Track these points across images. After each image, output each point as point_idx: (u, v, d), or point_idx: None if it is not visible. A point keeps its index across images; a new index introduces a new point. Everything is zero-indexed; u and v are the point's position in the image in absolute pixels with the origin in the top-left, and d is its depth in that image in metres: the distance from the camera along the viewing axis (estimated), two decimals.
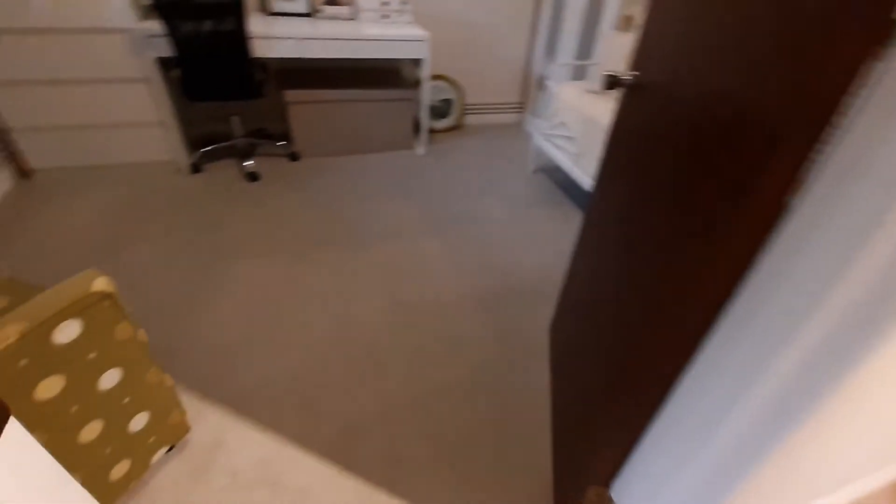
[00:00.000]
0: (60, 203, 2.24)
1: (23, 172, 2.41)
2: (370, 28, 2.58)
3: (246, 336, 1.63)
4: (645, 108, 1.00)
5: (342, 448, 1.31)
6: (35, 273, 1.82)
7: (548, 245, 2.25)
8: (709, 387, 0.76)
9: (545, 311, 1.85)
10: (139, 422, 1.10)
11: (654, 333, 0.82)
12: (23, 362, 0.82)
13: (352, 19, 2.72)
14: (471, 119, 3.54)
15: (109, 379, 0.99)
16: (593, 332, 1.15)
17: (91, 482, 1.02)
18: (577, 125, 2.34)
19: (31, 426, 0.86)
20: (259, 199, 2.40)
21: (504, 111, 3.62)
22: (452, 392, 1.50)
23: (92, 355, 0.94)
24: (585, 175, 2.28)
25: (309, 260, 2.02)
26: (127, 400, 1.05)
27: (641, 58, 1.06)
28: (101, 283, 0.92)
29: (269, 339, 1.63)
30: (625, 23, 2.51)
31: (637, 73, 1.06)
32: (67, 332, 0.88)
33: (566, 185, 2.79)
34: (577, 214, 2.52)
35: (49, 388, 0.88)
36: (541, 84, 3.31)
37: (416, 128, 2.99)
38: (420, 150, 3.02)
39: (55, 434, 0.91)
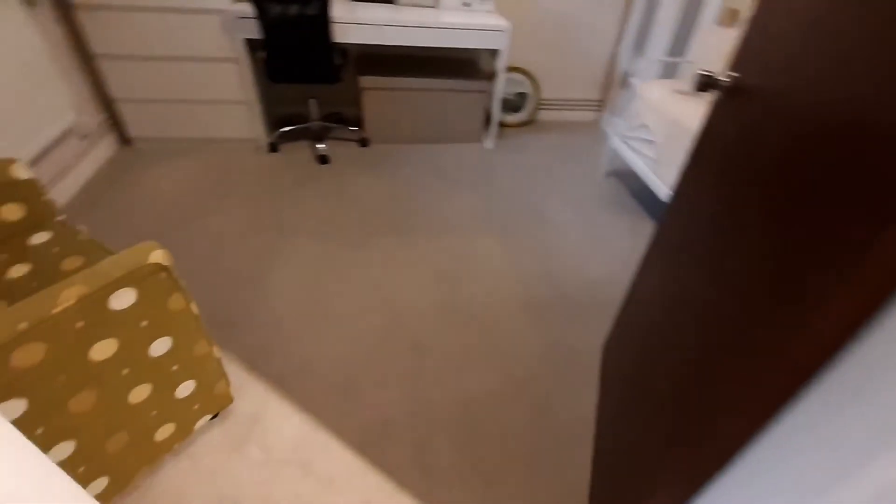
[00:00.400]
0: (151, 171, 2.41)
1: (124, 140, 2.63)
2: (450, 16, 2.52)
3: (297, 314, 1.66)
4: (744, 116, 0.86)
5: (373, 442, 1.29)
6: (119, 234, 1.96)
7: (613, 255, 2.09)
8: (802, 454, 0.63)
9: (600, 327, 1.72)
10: (185, 389, 1.14)
11: (736, 380, 0.70)
12: (80, 324, 0.85)
13: (433, 7, 2.67)
14: (545, 115, 3.39)
15: (160, 346, 1.03)
16: (657, 362, 1.03)
17: (137, 440, 1.07)
18: (659, 128, 2.14)
19: (84, 384, 0.91)
20: (326, 181, 2.44)
21: (581, 108, 3.42)
22: (492, 401, 1.43)
23: (144, 323, 0.97)
24: (663, 184, 2.09)
25: (366, 245, 2.02)
26: (175, 367, 1.09)
27: (746, 57, 0.91)
28: (157, 256, 0.95)
29: (317, 321, 1.64)
30: (729, 17, 2.25)
31: (738, 74, 0.91)
32: (123, 299, 0.91)
33: (640, 192, 2.59)
34: (649, 226, 2.33)
35: (103, 350, 0.91)
36: (624, 81, 3.09)
37: (487, 121, 2.91)
38: (489, 143, 2.93)
39: (106, 393, 0.96)
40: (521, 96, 3.18)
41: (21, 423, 0.83)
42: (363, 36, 2.41)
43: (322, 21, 2.22)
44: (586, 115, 3.46)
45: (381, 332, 1.63)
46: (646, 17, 2.88)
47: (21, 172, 1.21)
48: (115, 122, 2.57)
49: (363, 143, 2.80)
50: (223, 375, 1.23)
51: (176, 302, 1.02)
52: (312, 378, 1.44)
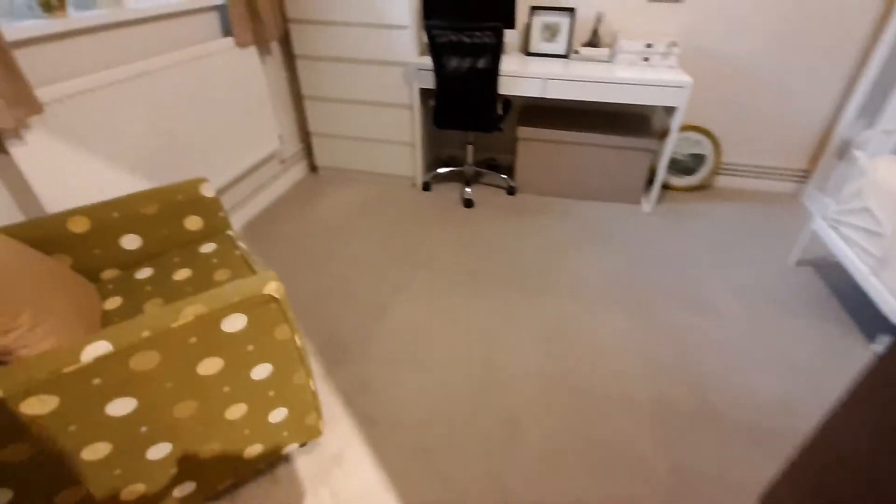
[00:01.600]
0: (324, 195, 2.70)
1: (312, 167, 3.02)
2: (626, 71, 2.32)
3: (401, 353, 1.62)
4: None
5: None
6: (280, 245, 2.21)
7: (792, 371, 1.60)
8: None
9: (759, 464, 1.30)
10: (278, 414, 1.15)
11: None
12: (193, 340, 0.91)
13: (608, 62, 2.51)
14: (724, 181, 2.89)
15: (261, 371, 1.06)
16: None
17: (228, 453, 1.11)
18: (890, 217, 1.61)
19: (188, 394, 0.96)
20: (467, 224, 2.43)
21: (775, 177, 2.83)
22: None
23: (250, 347, 1.01)
24: (888, 292, 1.54)
25: (486, 294, 1.92)
26: (272, 393, 1.11)
27: None
28: (271, 288, 0.98)
29: (417, 365, 1.58)
30: None
31: None
32: (235, 323, 0.95)
33: (846, 294, 1.98)
34: (859, 344, 1.74)
35: (209, 366, 0.97)
36: (844, 152, 2.46)
37: (650, 181, 2.58)
38: (647, 207, 2.60)
39: (206, 405, 1.01)
40: (697, 158, 2.77)
41: (129, 419, 0.90)
42: (530, 89, 2.37)
43: (491, 74, 2.24)
44: (781, 186, 2.85)
45: (478, 391, 1.48)
46: (883, 80, 2.26)
47: (206, 191, 1.42)
48: (308, 152, 2.97)
49: (511, 191, 2.74)
50: (316, 408, 1.23)
51: (282, 332, 1.04)
52: (398, 430, 1.37)
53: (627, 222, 2.47)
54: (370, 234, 2.34)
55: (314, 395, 1.20)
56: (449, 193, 2.74)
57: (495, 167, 3.05)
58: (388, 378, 1.54)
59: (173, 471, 1.04)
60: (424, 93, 2.58)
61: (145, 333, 0.85)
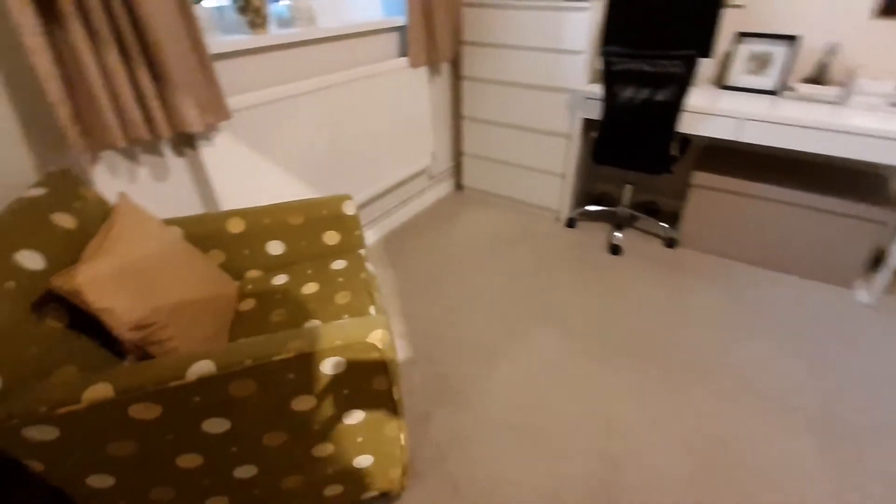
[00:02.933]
0: (464, 215, 2.64)
1: (458, 186, 3.00)
2: (863, 118, 1.77)
3: (506, 416, 1.43)
4: None
5: None
6: (407, 261, 2.18)
7: None
8: None
9: None
10: (363, 461, 1.06)
11: None
12: (290, 376, 0.86)
13: (836, 103, 1.96)
14: None
15: (353, 416, 0.97)
16: None
17: (308, 488, 1.06)
18: None
19: (279, 425, 0.92)
20: (609, 274, 2.11)
21: None
22: None
23: (346, 391, 0.93)
24: None
25: (616, 364, 1.61)
26: (360, 439, 1.02)
27: None
28: (376, 336, 0.88)
29: (522, 435, 1.36)
30: None
31: None
32: (333, 365, 0.88)
33: None
34: None
35: (303, 402, 0.91)
36: None
37: (875, 263, 1.94)
38: (864, 295, 1.96)
39: (295, 438, 0.96)
40: None
41: (221, 438, 0.89)
42: (720, 129, 1.96)
43: (671, 108, 1.91)
44: None
45: (592, 490, 1.21)
46: None
47: (348, 209, 1.42)
48: (457, 171, 2.95)
49: (670, 243, 2.33)
50: (403, 463, 1.11)
51: (380, 383, 0.94)
52: None
53: (832, 312, 1.89)
54: (501, 265, 2.19)
55: (403, 450, 1.09)
56: (595, 234, 2.45)
57: (655, 212, 2.64)
58: (487, 442, 1.36)
59: (256, 492, 1.02)
60: (587, 123, 2.34)
61: (248, 362, 0.82)
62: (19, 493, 1.08)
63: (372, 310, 1.20)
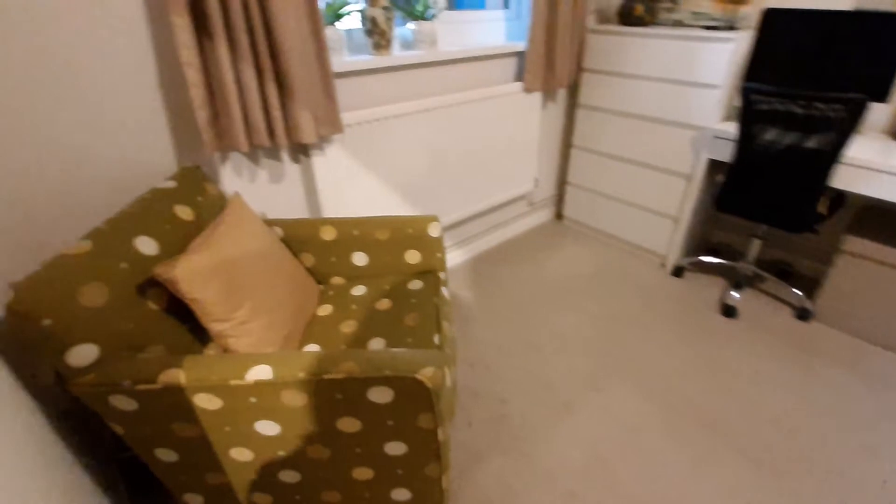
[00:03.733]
0: (560, 247, 2.50)
1: (557, 215, 2.86)
2: None
3: (562, 483, 1.28)
4: None
5: None
6: (496, 293, 2.11)
7: None
8: None
9: None
10: (400, 494, 1.03)
11: None
12: (339, 396, 0.85)
13: None
14: None
15: (395, 448, 0.94)
16: None
17: None
18: None
19: (324, 441, 0.92)
20: (715, 339, 1.83)
21: None
22: None
23: (390, 423, 0.90)
24: None
25: (710, 451, 1.36)
26: (400, 472, 0.98)
27: None
28: (426, 374, 0.84)
29: None
30: None
31: None
32: (381, 395, 0.85)
33: None
34: None
35: (348, 424, 0.90)
36: None
37: None
38: None
39: (337, 456, 0.95)
40: None
41: (271, 440, 0.91)
42: (889, 191, 1.60)
43: (825, 159, 1.61)
44: None
45: None
46: None
47: (433, 231, 1.40)
48: (558, 199, 2.82)
49: (803, 315, 1.94)
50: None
51: (426, 421, 0.90)
52: None
53: None
54: (592, 307, 2.02)
55: (443, 493, 1.03)
56: (705, 290, 2.15)
57: (787, 275, 2.25)
58: None
59: (297, 497, 1.03)
60: (713, 165, 2.07)
61: (301, 374, 0.83)
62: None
63: (436, 338, 1.17)
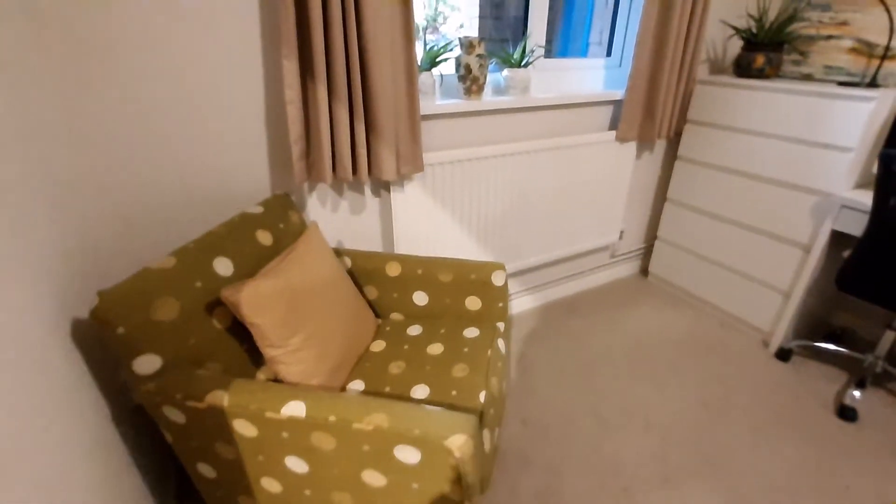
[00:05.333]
0: (642, 307, 2.27)
1: (643, 270, 2.62)
2: None
3: None
4: None
5: None
6: (559, 350, 1.95)
7: None
8: None
9: None
10: None
11: None
12: (366, 447, 0.81)
13: None
14: None
15: None
16: None
17: None
18: None
19: (348, 488, 0.88)
20: (826, 443, 1.49)
21: None
22: None
23: (415, 486, 0.83)
24: None
25: None
26: None
27: None
28: (457, 443, 0.76)
29: None
30: None
31: None
32: (408, 454, 0.80)
33: None
34: None
35: (373, 478, 0.85)
36: None
37: None
38: None
39: None
40: None
41: (299, 477, 0.89)
42: None
43: None
44: None
45: None
46: None
47: (497, 279, 1.34)
48: (646, 254, 2.59)
49: None
50: None
51: (454, 491, 0.82)
52: None
53: None
54: (673, 382, 1.78)
55: None
56: (818, 382, 1.79)
57: None
58: None
59: None
60: (837, 237, 1.76)
61: (331, 418, 0.80)
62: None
63: (482, 395, 1.08)
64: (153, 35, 1.14)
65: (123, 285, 0.85)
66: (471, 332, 1.31)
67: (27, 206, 0.83)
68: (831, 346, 1.87)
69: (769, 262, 1.95)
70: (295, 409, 0.81)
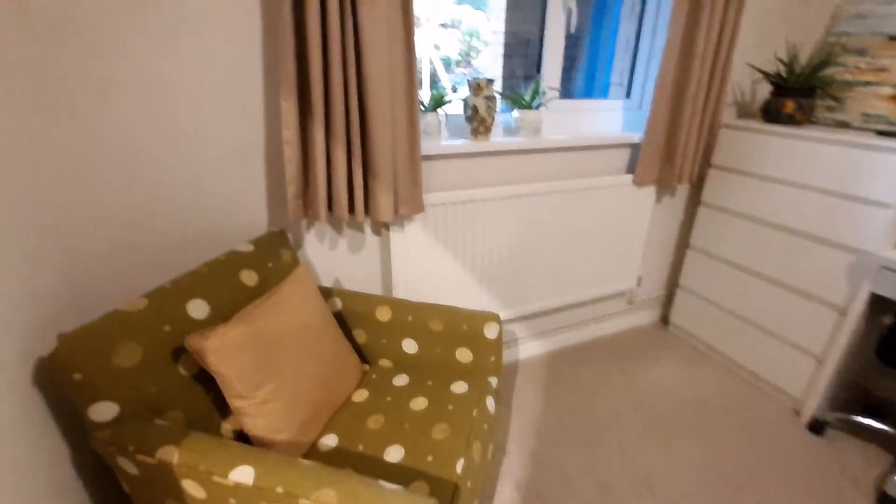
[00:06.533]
0: (658, 359, 2.12)
1: (662, 318, 2.47)
2: None
3: None
4: None
5: None
6: (563, 404, 1.83)
7: None
8: None
9: None
10: None
11: None
12: None
13: None
14: None
15: None
16: None
17: None
18: None
19: None
20: None
21: None
22: None
23: None
24: None
25: None
26: None
27: None
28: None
29: None
30: None
31: None
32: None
33: None
34: None
35: None
36: None
37: None
38: None
39: None
40: None
41: None
42: None
43: None
44: None
45: None
46: None
47: (490, 332, 1.26)
48: (666, 302, 2.45)
49: None
50: None
51: None
52: None
53: None
54: (689, 450, 1.62)
55: None
56: (855, 460, 1.59)
57: None
58: None
59: None
60: (877, 300, 1.59)
61: (279, 489, 0.74)
62: None
63: (459, 465, 1.00)
64: (152, 71, 1.16)
65: (86, 328, 0.83)
66: (459, 387, 1.23)
67: None
68: (873, 423, 1.67)
69: (801, 323, 1.79)
70: (243, 475, 0.76)
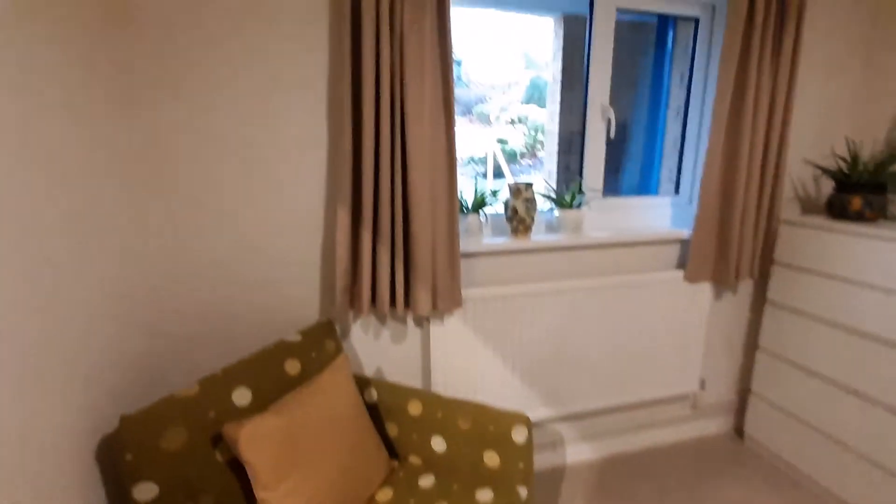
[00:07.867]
0: (730, 485, 1.85)
1: (737, 430, 2.19)
2: None
3: None
4: None
5: None
6: None
7: None
8: None
9: None
10: None
11: None
12: None
13: None
14: None
15: None
16: None
17: None
18: None
19: None
20: None
21: None
22: None
23: None
24: None
25: None
26: None
27: None
28: None
29: None
30: None
31: None
32: None
33: None
34: None
35: None
36: None
37: None
38: None
39: None
40: None
41: None
42: None
43: None
44: None
45: None
46: None
47: (518, 435, 1.22)
48: (739, 409, 2.19)
49: None
50: None
51: None
52: None
53: None
54: None
55: None
56: None
57: None
58: None
59: None
60: None
61: None
62: None
63: None
64: (235, 172, 1.40)
65: (144, 411, 0.95)
66: (484, 495, 1.18)
67: (78, 320, 1.01)
68: None
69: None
70: None
